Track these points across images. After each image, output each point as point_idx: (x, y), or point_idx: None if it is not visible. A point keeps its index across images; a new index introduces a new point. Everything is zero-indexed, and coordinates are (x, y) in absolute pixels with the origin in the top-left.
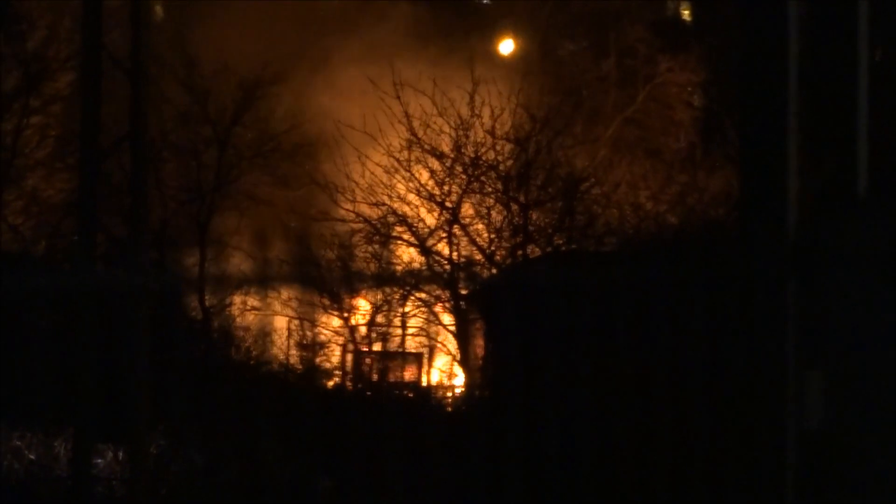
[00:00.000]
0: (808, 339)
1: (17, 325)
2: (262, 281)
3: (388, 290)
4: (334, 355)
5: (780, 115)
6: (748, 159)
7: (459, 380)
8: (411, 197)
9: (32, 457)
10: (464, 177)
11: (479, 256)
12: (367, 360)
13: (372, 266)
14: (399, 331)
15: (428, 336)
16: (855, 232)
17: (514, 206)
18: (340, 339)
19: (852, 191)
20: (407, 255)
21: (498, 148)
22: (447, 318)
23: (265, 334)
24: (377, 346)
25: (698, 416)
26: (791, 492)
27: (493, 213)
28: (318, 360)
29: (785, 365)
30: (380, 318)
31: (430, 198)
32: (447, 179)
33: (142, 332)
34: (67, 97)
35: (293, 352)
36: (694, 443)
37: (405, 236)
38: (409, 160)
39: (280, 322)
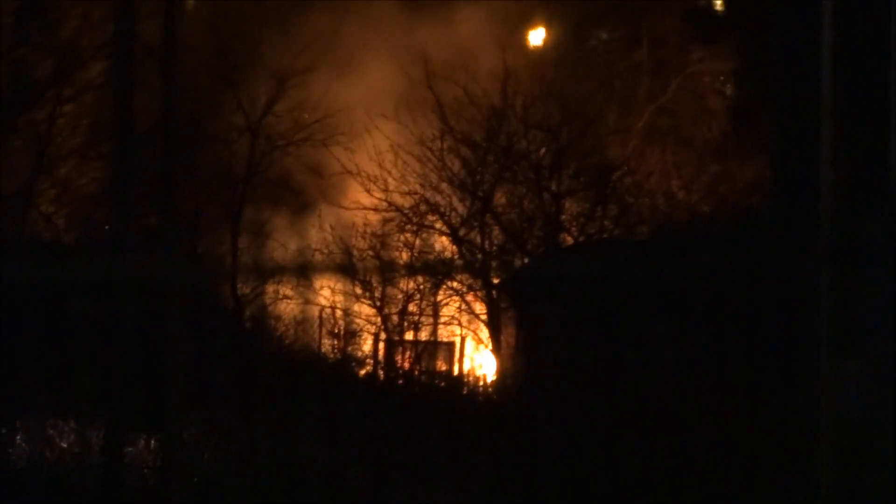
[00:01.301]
0: (843, 329)
1: (51, 315)
2: (298, 270)
3: (420, 278)
4: (366, 344)
5: (813, 108)
6: (782, 150)
7: (491, 368)
8: (443, 186)
9: (64, 445)
10: (496, 166)
11: (511, 245)
12: (400, 349)
13: (404, 255)
14: (431, 320)
15: (460, 325)
16: (887, 222)
17: (547, 195)
18: (372, 328)
19: (884, 182)
20: (439, 243)
21: (530, 137)
22: (479, 307)
23: (298, 323)
24: (409, 335)
25: (735, 404)
26: (825, 479)
27: (526, 202)
28: (350, 348)
29: (818, 354)
30: (412, 307)
31: (463, 186)
32: (479, 168)
33: (176, 321)
34: (100, 86)
35: (325, 340)
36: (731, 429)
37: (437, 225)
38: (441, 149)
39: (312, 311)
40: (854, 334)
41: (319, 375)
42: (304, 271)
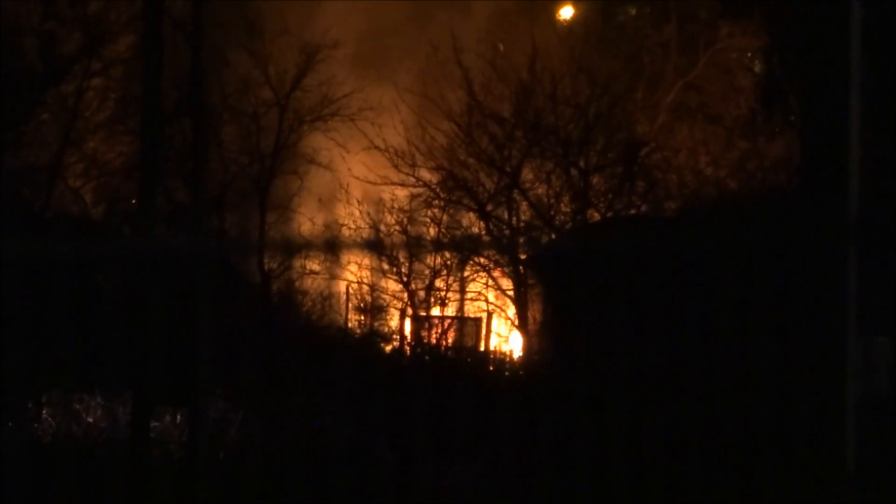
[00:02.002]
0: (871, 307)
1: (78, 290)
2: (327, 246)
3: (447, 254)
4: (393, 320)
5: (842, 84)
6: (810, 127)
7: (518, 345)
8: (471, 161)
9: (90, 419)
10: (524, 141)
11: (538, 221)
12: (426, 325)
13: (431, 230)
14: (458, 295)
15: (487, 301)
16: None
17: (574, 171)
18: (399, 304)
19: None
20: (466, 219)
21: (558, 112)
22: (506, 283)
23: (324, 298)
24: (436, 311)
25: (762, 381)
26: (852, 457)
27: (553, 178)
28: (376, 324)
29: (845, 332)
30: (439, 283)
31: (490, 162)
32: (507, 144)
33: (203, 296)
34: (128, 60)
35: (352, 316)
36: (758, 406)
37: (464, 201)
38: (469, 124)
39: (339, 286)
40: (882, 312)
41: (346, 351)
42: (331, 247)
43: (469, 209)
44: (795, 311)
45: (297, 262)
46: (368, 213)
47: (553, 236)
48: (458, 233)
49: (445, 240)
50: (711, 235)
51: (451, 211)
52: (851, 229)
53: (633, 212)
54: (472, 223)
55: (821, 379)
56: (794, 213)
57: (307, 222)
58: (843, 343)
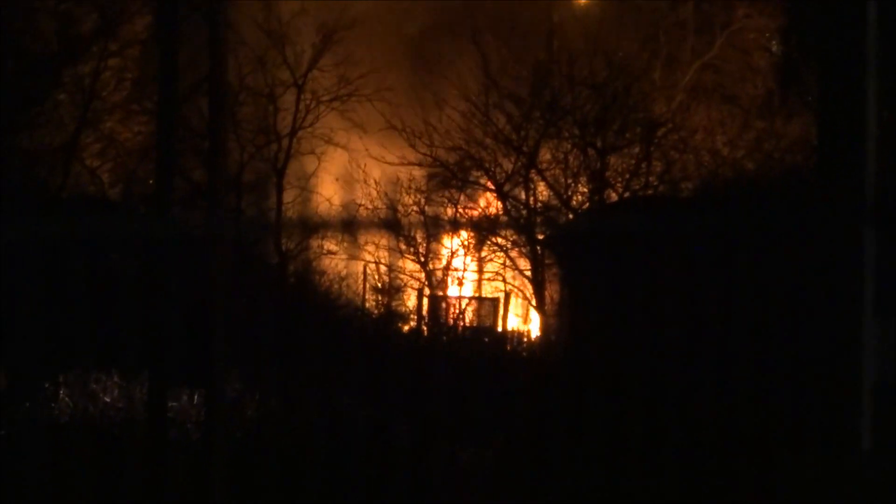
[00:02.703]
0: (889, 289)
1: (96, 269)
2: (345, 226)
3: (464, 234)
4: (410, 300)
5: (859, 66)
6: (827, 109)
7: (536, 325)
8: (488, 141)
9: (108, 399)
10: (541, 122)
11: (556, 201)
12: (444, 305)
13: (449, 210)
14: (475, 276)
15: (504, 281)
16: None
17: (592, 152)
18: (416, 284)
19: None
20: (484, 199)
21: (575, 93)
22: (523, 264)
23: (342, 278)
24: (453, 291)
25: (779, 362)
26: (867, 438)
27: (570, 158)
28: (394, 304)
29: (862, 314)
30: (456, 263)
31: (507, 142)
32: (524, 124)
33: (220, 276)
34: (145, 40)
35: (369, 296)
36: (774, 388)
37: (482, 181)
38: (486, 104)
39: (356, 266)
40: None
41: (363, 331)
42: (348, 227)
43: (486, 189)
44: (812, 293)
45: (315, 243)
46: (386, 194)
47: (570, 217)
48: (475, 213)
49: (463, 220)
50: (728, 216)
51: (469, 191)
52: (868, 210)
53: (650, 192)
54: (489, 203)
55: (838, 360)
56: (811, 194)
57: (324, 203)
58: (859, 325)
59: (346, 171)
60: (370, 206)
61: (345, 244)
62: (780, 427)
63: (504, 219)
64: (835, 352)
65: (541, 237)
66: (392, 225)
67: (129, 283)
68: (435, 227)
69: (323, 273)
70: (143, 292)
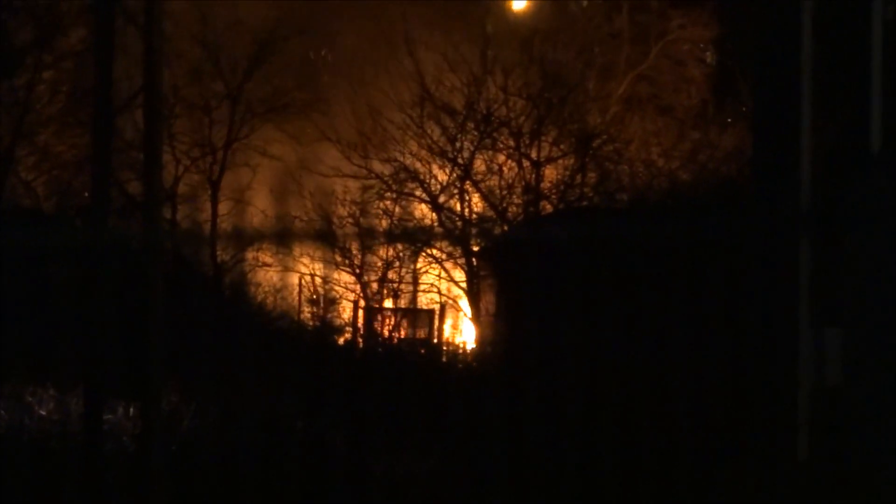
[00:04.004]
0: (824, 297)
1: (30, 282)
2: (278, 237)
3: (399, 246)
4: (346, 312)
5: (793, 73)
6: (761, 117)
7: (471, 336)
8: (423, 153)
9: (43, 412)
10: (476, 133)
11: (490, 213)
12: (379, 317)
13: (384, 222)
14: (411, 287)
15: (439, 293)
16: (869, 188)
17: (526, 163)
18: (352, 296)
19: (866, 147)
20: (419, 211)
21: (510, 104)
22: (459, 275)
23: (277, 290)
24: (389, 303)
25: (715, 371)
26: (804, 446)
27: (505, 170)
28: (329, 316)
29: (797, 322)
30: (391, 275)
31: (442, 154)
32: (459, 136)
33: (156, 288)
34: (80, 52)
35: (305, 308)
36: (711, 396)
37: (417, 192)
38: (421, 116)
39: (292, 278)
40: (836, 302)
41: (299, 343)
42: (283, 239)
43: (422, 201)
44: (749, 302)
45: (250, 255)
46: (320, 205)
47: (505, 228)
48: (410, 225)
49: (398, 231)
50: (663, 226)
51: (404, 203)
52: (803, 219)
53: (585, 203)
54: (424, 215)
55: (773, 369)
56: (746, 203)
57: (259, 215)
58: (795, 333)
59: (280, 182)
60: (305, 218)
61: (280, 256)
62: (717, 435)
63: (439, 230)
64: (771, 361)
65: (476, 249)
66: (327, 237)
67: (65, 296)
68: (370, 239)
69: (258, 285)
70: (78, 304)
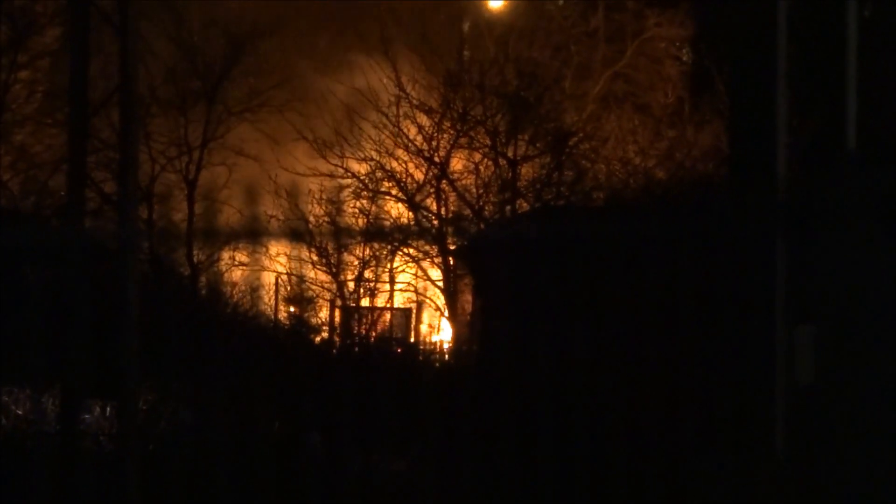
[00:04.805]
0: (799, 295)
1: (5, 280)
2: (252, 235)
3: (376, 245)
4: (322, 311)
5: (769, 71)
6: (737, 115)
7: (447, 335)
8: (399, 152)
9: (20, 412)
10: (452, 132)
11: (467, 212)
12: (356, 316)
13: (360, 221)
14: (387, 286)
15: (416, 291)
16: (844, 185)
17: (503, 161)
18: (328, 295)
19: (841, 145)
20: (395, 210)
21: (486, 103)
22: (435, 274)
23: (253, 290)
24: (365, 302)
25: (691, 369)
26: (781, 444)
27: (482, 169)
28: (306, 315)
29: (773, 320)
30: (368, 274)
31: (419, 153)
32: (435, 135)
33: (131, 288)
34: (55, 52)
35: (281, 307)
36: (687, 393)
37: (393, 191)
38: (397, 115)
39: (268, 277)
40: (810, 300)
41: (275, 342)
42: (259, 238)
43: (398, 200)
44: (725, 300)
45: (226, 254)
46: (297, 205)
47: (482, 226)
48: (387, 224)
49: (374, 230)
50: (639, 225)
51: (380, 202)
52: (780, 217)
53: (561, 202)
54: (400, 214)
55: (750, 367)
56: (722, 201)
57: (235, 214)
58: (771, 331)
59: (257, 182)
60: (281, 218)
61: (256, 255)
62: (693, 433)
63: (415, 229)
64: (749, 359)
65: (452, 247)
66: (303, 236)
67: (40, 296)
68: (346, 238)
69: (234, 284)
70: (55, 304)
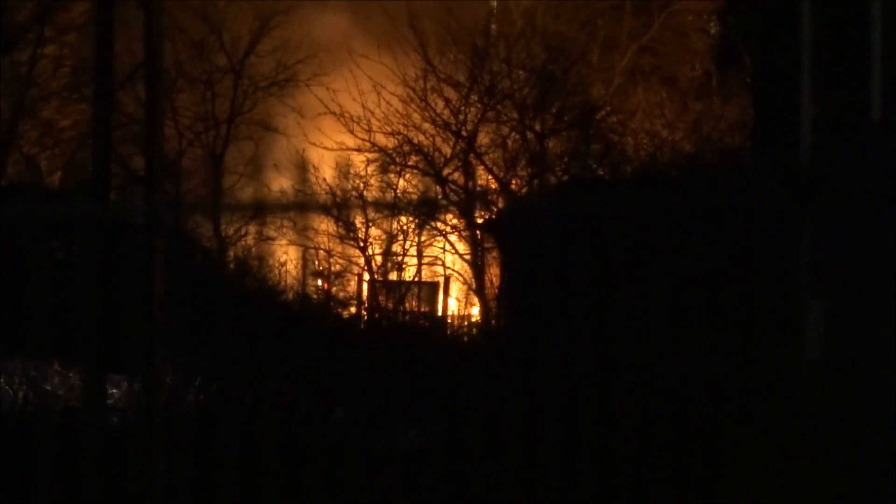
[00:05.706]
0: (820, 269)
1: (32, 257)
2: (279, 211)
3: (404, 219)
4: (350, 285)
5: (793, 40)
6: (761, 85)
7: (475, 309)
8: (427, 126)
9: (48, 387)
10: (479, 105)
11: (494, 185)
12: (384, 290)
13: (388, 195)
14: (415, 260)
15: (444, 265)
16: (868, 157)
17: (530, 135)
18: (356, 269)
19: (866, 115)
20: (423, 184)
21: (514, 76)
22: (463, 248)
23: (281, 264)
24: (393, 276)
25: (721, 342)
26: (805, 414)
27: (509, 142)
28: (334, 289)
29: (798, 295)
30: (395, 248)
31: (446, 127)
32: (463, 108)
33: (159, 263)
34: (82, 27)
35: (309, 281)
36: (718, 367)
37: (421, 165)
38: (424, 89)
39: (295, 252)
40: (828, 274)
41: (304, 316)
42: (287, 212)
43: (425, 174)
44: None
45: (254, 228)
46: (324, 179)
47: (510, 200)
48: (414, 197)
49: (402, 204)
50: (667, 197)
51: (408, 176)
52: (803, 191)
53: (589, 175)
54: (428, 188)
55: (772, 342)
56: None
57: (263, 189)
58: (796, 305)
59: (284, 157)
60: (309, 192)
61: (284, 230)
62: (727, 406)
63: (443, 203)
64: (775, 332)
65: (480, 221)
66: (331, 210)
67: (68, 271)
68: (374, 212)
69: (262, 258)
70: (82, 280)
